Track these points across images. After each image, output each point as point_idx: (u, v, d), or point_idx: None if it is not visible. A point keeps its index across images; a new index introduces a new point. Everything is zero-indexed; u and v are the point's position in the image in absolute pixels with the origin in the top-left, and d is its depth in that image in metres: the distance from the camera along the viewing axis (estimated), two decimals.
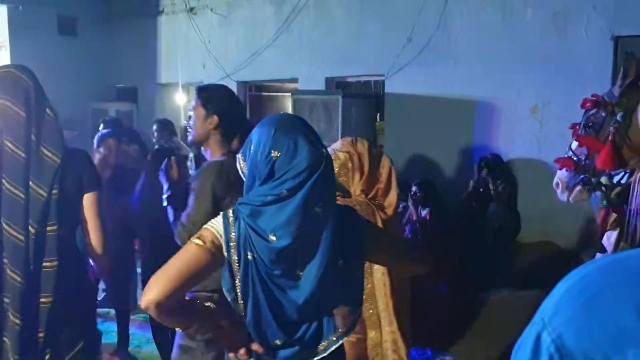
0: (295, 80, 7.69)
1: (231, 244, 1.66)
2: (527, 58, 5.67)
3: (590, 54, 5.38)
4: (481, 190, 5.73)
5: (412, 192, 5.45)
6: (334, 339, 1.74)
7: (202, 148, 2.74)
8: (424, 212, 5.35)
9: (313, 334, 1.73)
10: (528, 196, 5.57)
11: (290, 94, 7.33)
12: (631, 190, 2.53)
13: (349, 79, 7.75)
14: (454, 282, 4.90)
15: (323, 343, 1.73)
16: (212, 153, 2.66)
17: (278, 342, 1.71)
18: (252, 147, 1.69)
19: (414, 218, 5.39)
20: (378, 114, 7.32)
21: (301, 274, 1.66)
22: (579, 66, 5.40)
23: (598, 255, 3.01)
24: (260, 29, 7.86)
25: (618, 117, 2.48)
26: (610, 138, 2.49)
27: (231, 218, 1.68)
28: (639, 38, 5.22)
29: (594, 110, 2.62)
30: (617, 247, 2.77)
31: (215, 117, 2.62)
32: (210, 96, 2.66)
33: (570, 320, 0.44)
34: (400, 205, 5.78)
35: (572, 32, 5.49)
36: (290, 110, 7.09)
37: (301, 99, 6.79)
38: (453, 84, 6.10)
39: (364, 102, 7.03)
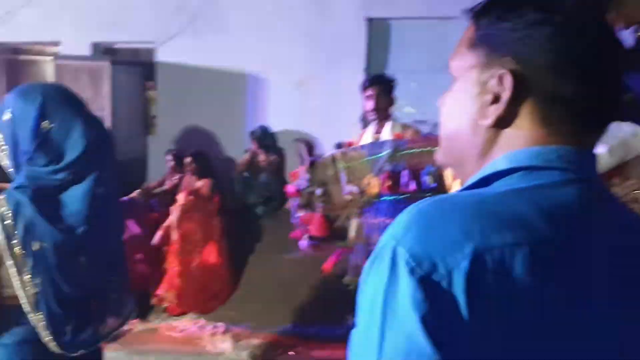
0: (57, 44, 7.09)
1: (13, 236, 1.49)
2: (293, 34, 5.99)
3: (346, 34, 5.89)
4: (253, 160, 5.98)
5: (187, 163, 5.51)
6: None
7: None
8: (199, 183, 5.42)
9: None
10: (294, 166, 5.96)
11: (52, 58, 6.73)
12: None
13: (117, 46, 7.39)
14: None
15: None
16: None
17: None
18: (5, 117, 1.55)
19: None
20: (148, 83, 7.12)
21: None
22: (337, 44, 5.89)
23: None
24: None
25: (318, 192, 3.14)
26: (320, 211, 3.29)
27: (4, 208, 1.51)
28: (388, 20, 5.89)
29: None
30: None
31: None
32: None
33: (417, 237, 0.63)
34: (178, 176, 5.79)
35: (331, 12, 5.94)
36: (52, 76, 6.53)
37: (64, 64, 6.32)
38: (224, 55, 6.18)
39: (134, 70, 6.80)
